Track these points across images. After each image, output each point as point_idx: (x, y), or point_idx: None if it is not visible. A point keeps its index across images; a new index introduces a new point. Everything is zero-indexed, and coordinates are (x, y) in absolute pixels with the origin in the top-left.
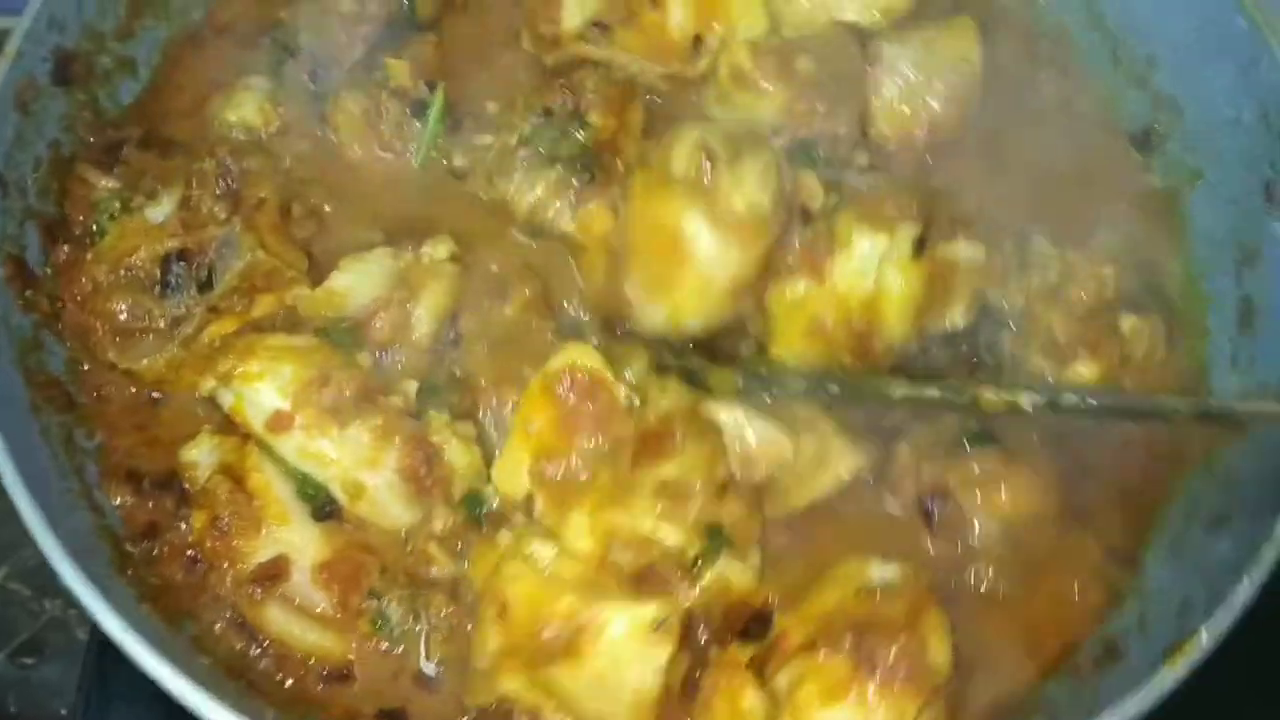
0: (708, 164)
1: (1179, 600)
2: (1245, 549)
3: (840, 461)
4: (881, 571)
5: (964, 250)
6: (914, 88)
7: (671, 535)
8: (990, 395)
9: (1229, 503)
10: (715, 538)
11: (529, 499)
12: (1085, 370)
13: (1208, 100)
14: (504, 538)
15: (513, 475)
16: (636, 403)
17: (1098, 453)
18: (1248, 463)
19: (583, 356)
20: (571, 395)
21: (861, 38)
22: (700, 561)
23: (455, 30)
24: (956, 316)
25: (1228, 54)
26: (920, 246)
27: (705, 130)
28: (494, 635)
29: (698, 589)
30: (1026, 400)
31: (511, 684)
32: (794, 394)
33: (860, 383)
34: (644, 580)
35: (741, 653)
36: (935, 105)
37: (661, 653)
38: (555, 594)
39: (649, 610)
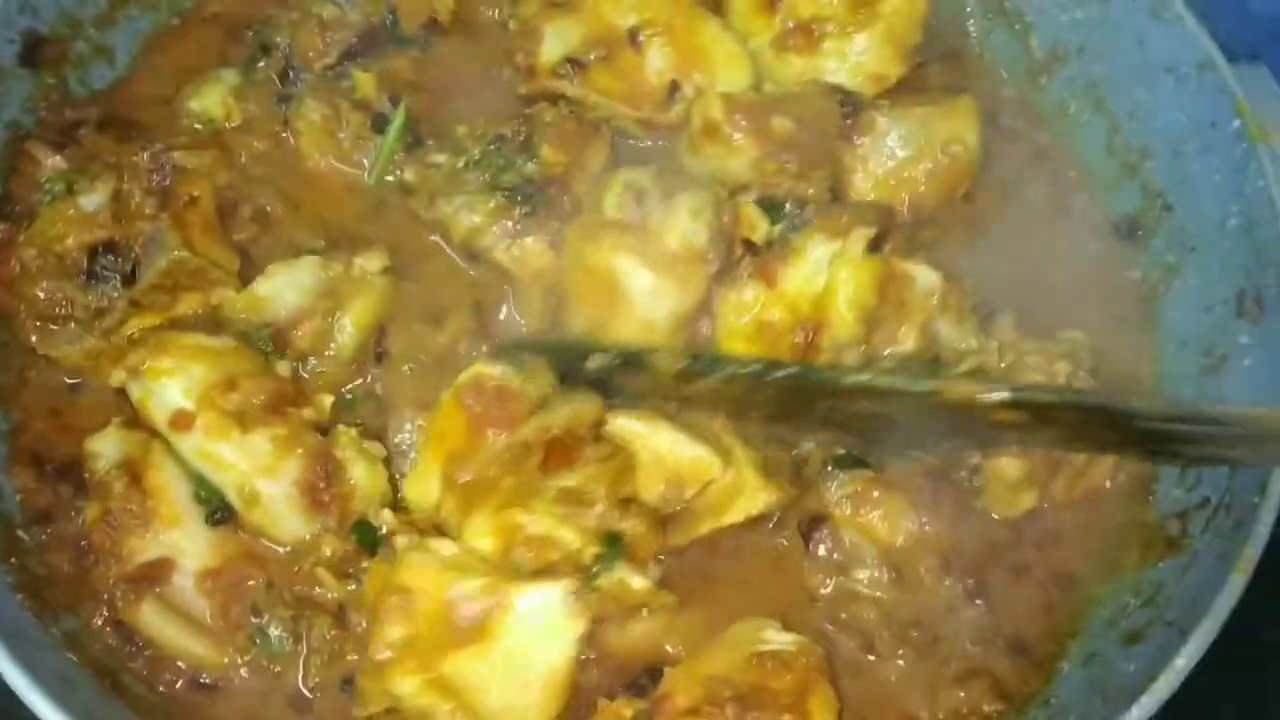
0: (638, 204)
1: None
2: (1145, 676)
3: (755, 495)
4: (777, 638)
5: (921, 272)
6: (901, 163)
7: (570, 537)
8: (959, 387)
9: (1149, 620)
10: (613, 544)
11: (437, 507)
12: (1009, 467)
13: (1196, 199)
14: (400, 541)
15: (423, 484)
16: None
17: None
18: (1181, 581)
19: (489, 369)
20: (480, 402)
21: (847, 102)
22: (597, 566)
23: (439, 51)
24: (909, 339)
25: (1221, 154)
26: (876, 246)
27: (636, 171)
28: (396, 625)
29: (593, 590)
30: (995, 394)
31: (407, 684)
32: (742, 379)
33: (811, 372)
34: (542, 579)
35: (625, 707)
36: (920, 185)
37: (574, 626)
38: (463, 577)
39: (561, 585)
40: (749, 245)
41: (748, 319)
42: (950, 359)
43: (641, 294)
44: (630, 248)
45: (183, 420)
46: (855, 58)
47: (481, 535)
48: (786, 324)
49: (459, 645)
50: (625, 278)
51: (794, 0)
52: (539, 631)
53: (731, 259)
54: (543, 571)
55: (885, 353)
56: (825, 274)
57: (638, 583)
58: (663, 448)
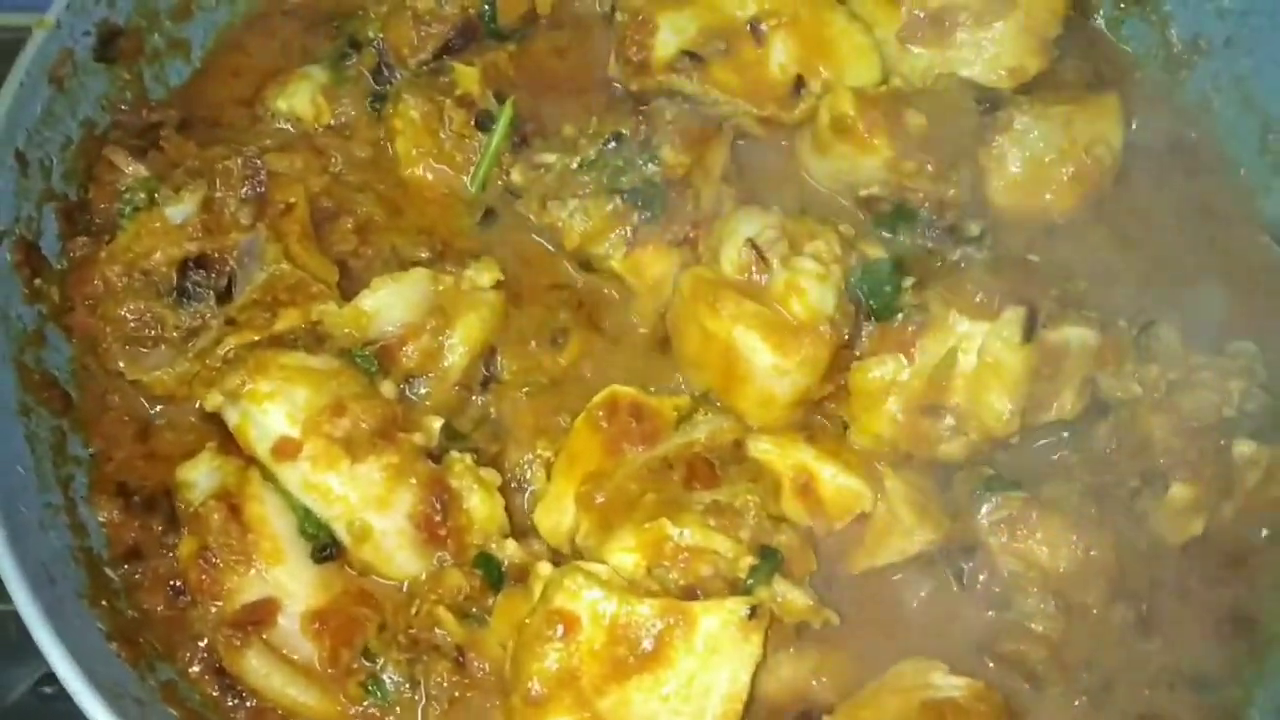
0: (758, 261)
1: None
2: None
3: (910, 534)
4: (946, 681)
5: (1076, 335)
6: (1042, 164)
7: (724, 546)
8: None
9: None
10: (770, 557)
11: (572, 533)
12: (1178, 492)
13: None
14: (544, 568)
15: (556, 511)
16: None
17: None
18: None
19: (623, 389)
20: (616, 421)
21: (983, 98)
22: (752, 580)
23: (537, 45)
24: (1066, 405)
25: None
26: (1029, 325)
27: (757, 221)
28: (552, 658)
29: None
30: None
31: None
32: None
33: None
34: (693, 598)
35: None
36: (1063, 184)
37: (756, 641)
38: (635, 599)
39: (742, 602)
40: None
41: (888, 399)
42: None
43: (762, 370)
44: (752, 320)
45: (288, 449)
46: (991, 50)
47: (625, 550)
48: (925, 398)
49: (626, 676)
50: (746, 352)
51: None
52: (720, 651)
53: (858, 325)
54: (692, 587)
55: (1041, 423)
56: (972, 355)
57: (798, 596)
58: (808, 473)
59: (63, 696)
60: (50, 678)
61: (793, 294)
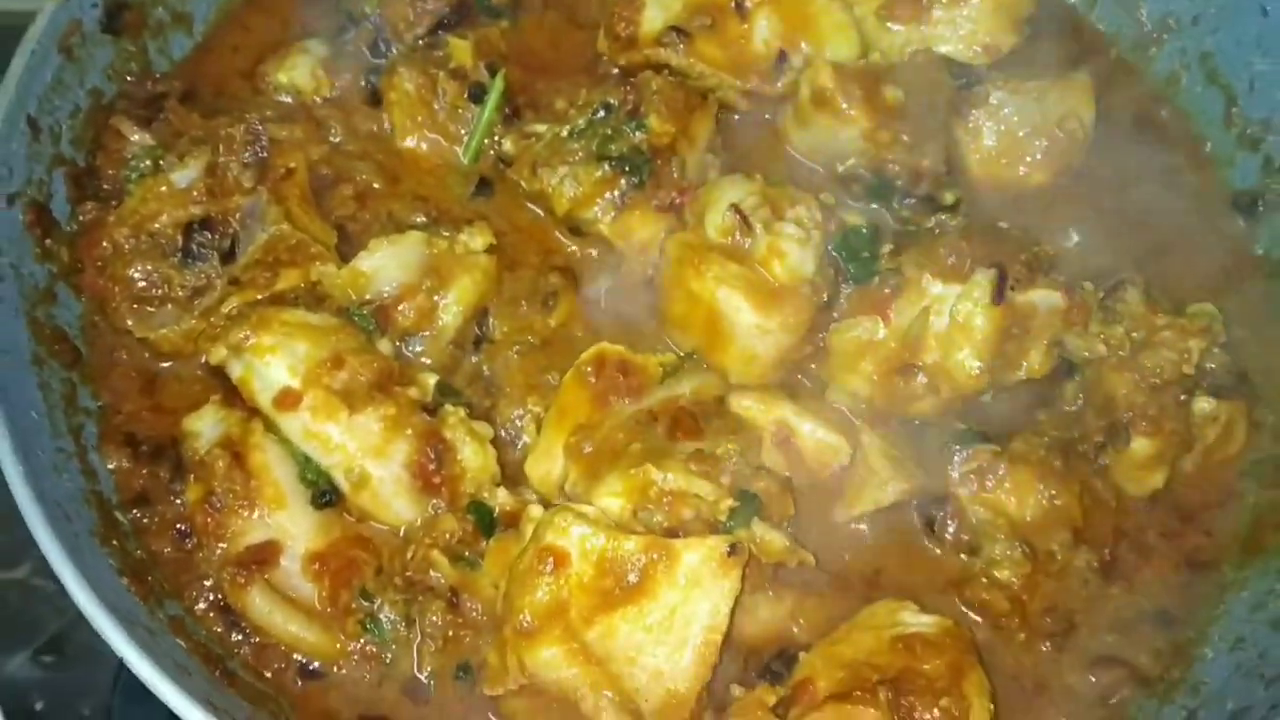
0: (742, 225)
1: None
2: None
3: (884, 485)
4: (916, 620)
5: (1043, 297)
6: (1016, 138)
7: (706, 489)
8: None
9: None
10: (749, 500)
11: (561, 483)
12: (1140, 446)
13: None
14: (535, 511)
15: (545, 460)
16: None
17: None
18: None
19: (610, 346)
20: (604, 376)
21: (959, 74)
22: (732, 521)
23: (529, 21)
24: (1034, 363)
25: None
26: (999, 287)
27: (740, 188)
28: (543, 590)
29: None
30: None
31: (549, 654)
32: None
33: None
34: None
35: (767, 695)
36: (1036, 157)
37: (735, 576)
38: (621, 535)
39: (722, 540)
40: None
41: (865, 359)
42: (1080, 363)
43: (745, 329)
44: (735, 281)
45: (289, 399)
46: (966, 26)
47: (611, 495)
48: (899, 357)
49: (612, 607)
50: (729, 312)
51: None
52: (702, 586)
53: (837, 288)
54: (675, 529)
55: (1010, 381)
56: (944, 316)
57: (775, 538)
58: (788, 428)
59: (59, 667)
60: (48, 647)
61: (775, 257)
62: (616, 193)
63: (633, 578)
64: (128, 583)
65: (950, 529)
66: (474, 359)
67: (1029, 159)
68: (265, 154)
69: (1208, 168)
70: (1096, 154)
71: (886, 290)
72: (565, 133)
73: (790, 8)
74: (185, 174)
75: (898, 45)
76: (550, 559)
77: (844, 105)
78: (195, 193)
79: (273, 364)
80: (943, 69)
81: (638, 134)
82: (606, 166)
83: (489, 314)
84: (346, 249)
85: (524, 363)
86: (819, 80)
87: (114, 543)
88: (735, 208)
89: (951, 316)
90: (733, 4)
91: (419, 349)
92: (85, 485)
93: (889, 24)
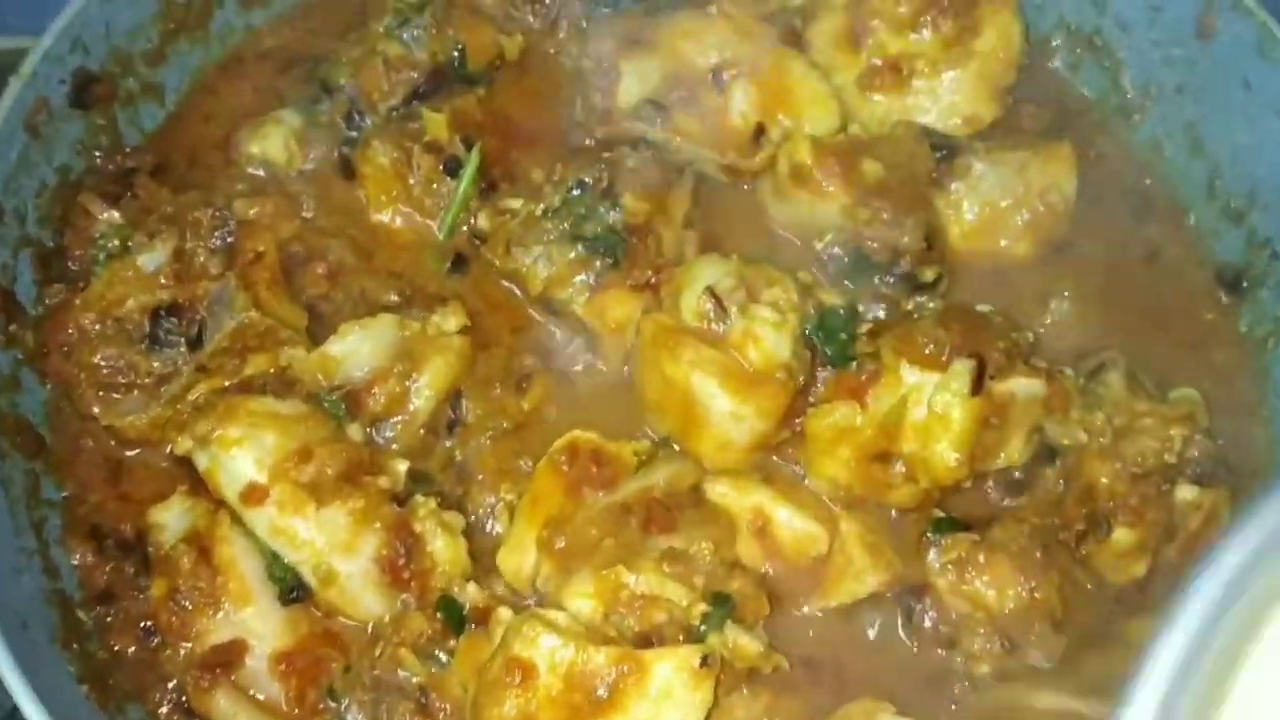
0: (716, 309)
1: None
2: None
3: (863, 576)
4: None
5: (1023, 386)
6: (998, 210)
7: (678, 594)
8: None
9: None
10: (721, 603)
11: (533, 577)
12: (1121, 536)
13: None
14: (504, 614)
15: (518, 553)
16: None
17: None
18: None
19: (584, 434)
20: (577, 465)
21: (940, 145)
22: (705, 626)
23: (505, 91)
24: (1014, 452)
25: None
26: (978, 378)
27: (716, 269)
28: (510, 704)
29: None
30: None
31: None
32: None
33: None
34: (647, 644)
35: None
36: (1018, 229)
37: (707, 688)
38: (590, 646)
39: (694, 651)
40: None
41: (842, 445)
42: (1062, 452)
43: (720, 416)
44: (709, 366)
45: (255, 494)
46: (947, 98)
47: (583, 596)
48: (877, 444)
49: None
50: (704, 398)
51: (881, 37)
52: (673, 699)
53: (814, 371)
54: (648, 633)
55: (990, 469)
56: (922, 406)
57: (749, 643)
58: (764, 516)
59: None
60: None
61: (750, 341)
62: (591, 274)
63: (602, 691)
64: (87, 690)
65: (928, 621)
66: (447, 443)
67: (1010, 231)
68: (233, 238)
69: (1191, 241)
70: (1079, 225)
71: (864, 376)
72: (540, 211)
73: (768, 80)
74: (152, 257)
75: (878, 116)
76: (518, 671)
77: (822, 182)
78: (162, 278)
79: (239, 457)
80: (923, 140)
81: (613, 214)
82: (581, 247)
83: (462, 396)
84: (318, 329)
85: (497, 448)
86: (797, 156)
87: (74, 646)
88: (710, 291)
89: (929, 407)
90: (710, 76)
91: (390, 434)
92: (47, 585)
93: (869, 94)
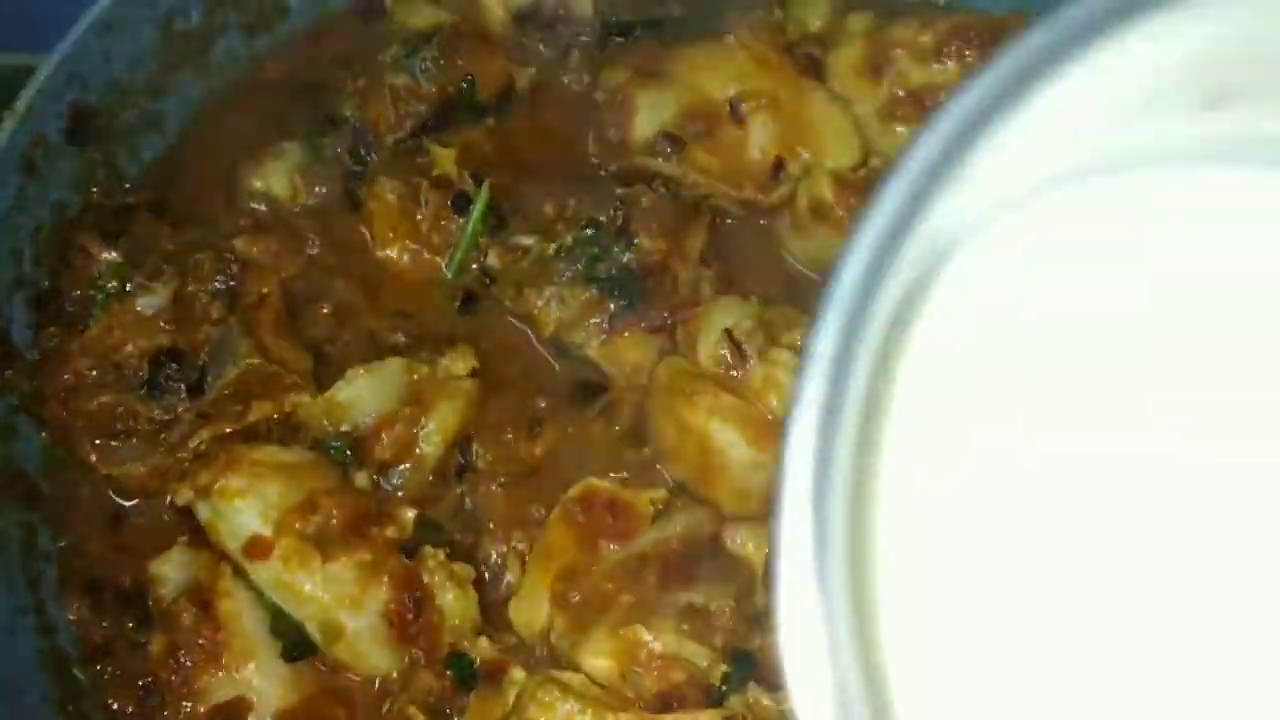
0: (735, 353)
1: None
2: None
3: None
4: None
5: None
6: None
7: (697, 654)
8: None
9: None
10: (744, 663)
11: (546, 631)
12: None
13: None
14: (517, 675)
15: (531, 607)
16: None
17: None
18: None
19: (599, 482)
20: (591, 515)
21: None
22: (726, 686)
23: (515, 123)
24: None
25: None
26: None
27: (734, 312)
28: None
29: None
30: None
31: None
32: None
33: None
34: (666, 706)
35: None
36: None
37: None
38: (606, 715)
39: (716, 716)
40: None
41: None
42: None
43: (739, 464)
44: (728, 414)
45: (259, 548)
46: None
47: (600, 656)
48: None
49: None
50: (723, 446)
51: (904, 66)
52: None
53: None
54: (667, 694)
55: None
56: None
57: (770, 704)
58: None
59: None
60: None
61: (770, 388)
62: (605, 316)
63: None
64: None
65: None
66: (457, 490)
67: None
68: (235, 282)
69: None
70: None
71: None
72: (552, 250)
73: (788, 113)
74: (152, 300)
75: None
76: None
77: (844, 217)
78: (162, 321)
79: (242, 509)
80: None
81: (627, 254)
82: (594, 289)
83: (472, 441)
84: (323, 372)
85: (508, 495)
86: (817, 190)
87: (70, 708)
88: (728, 334)
89: None
90: (728, 109)
91: (397, 481)
92: (42, 644)
93: (891, 125)
